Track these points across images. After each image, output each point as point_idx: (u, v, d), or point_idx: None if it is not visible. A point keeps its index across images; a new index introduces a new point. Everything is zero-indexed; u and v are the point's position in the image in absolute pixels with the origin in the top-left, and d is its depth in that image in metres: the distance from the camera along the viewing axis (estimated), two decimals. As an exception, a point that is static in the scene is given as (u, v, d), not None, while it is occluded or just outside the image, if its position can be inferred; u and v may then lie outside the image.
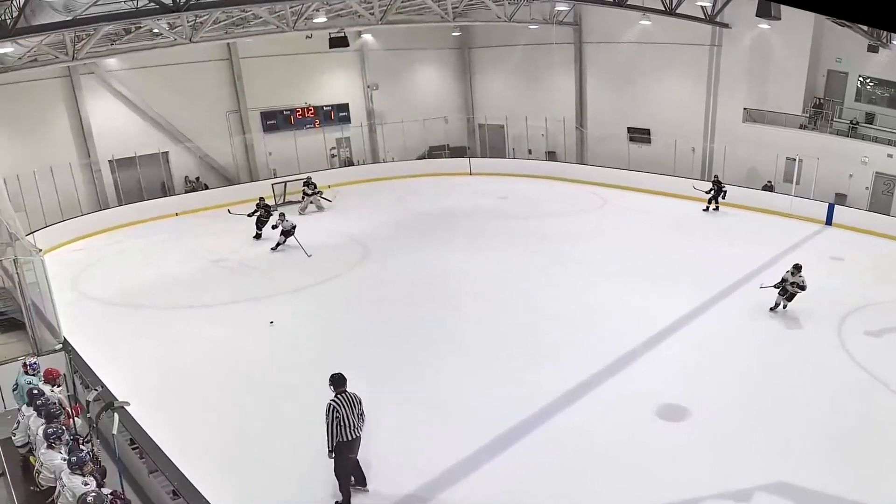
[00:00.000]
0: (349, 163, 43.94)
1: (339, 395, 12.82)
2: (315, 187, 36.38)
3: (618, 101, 42.42)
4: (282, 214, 29.77)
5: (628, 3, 31.29)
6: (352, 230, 32.46)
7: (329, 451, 12.79)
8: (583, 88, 44.02)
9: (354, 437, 12.78)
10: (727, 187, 33.37)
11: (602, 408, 16.59)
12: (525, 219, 33.74)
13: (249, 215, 30.90)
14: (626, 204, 35.55)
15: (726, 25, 36.04)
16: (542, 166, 43.50)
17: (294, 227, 29.29)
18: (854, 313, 21.87)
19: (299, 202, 36.52)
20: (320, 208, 36.45)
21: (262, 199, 31.93)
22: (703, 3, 33.96)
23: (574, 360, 18.70)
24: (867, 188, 33.34)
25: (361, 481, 13.55)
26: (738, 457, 14.42)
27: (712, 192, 33.58)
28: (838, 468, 13.93)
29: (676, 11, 32.78)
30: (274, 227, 29.84)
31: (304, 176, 37.52)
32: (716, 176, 34.41)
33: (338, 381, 13.09)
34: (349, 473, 13.17)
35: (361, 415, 12.95)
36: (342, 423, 12.56)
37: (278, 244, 29.38)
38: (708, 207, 33.77)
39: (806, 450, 14.68)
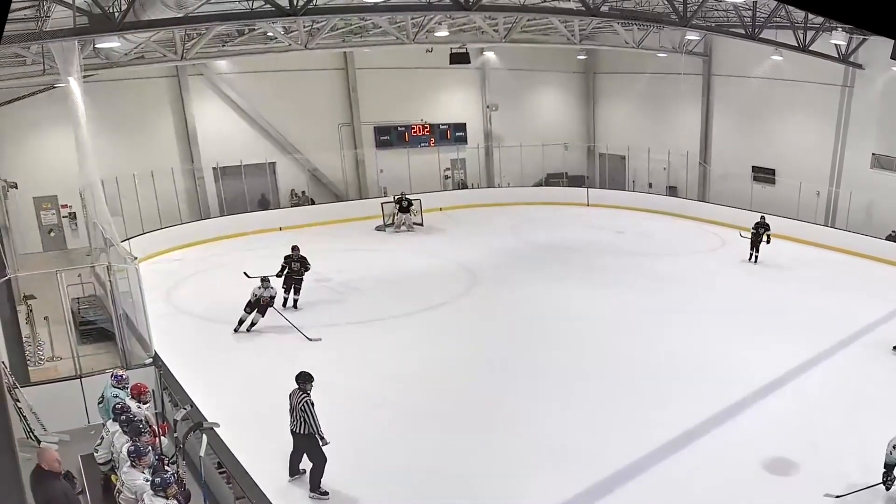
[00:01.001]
0: (463, 185, 43.46)
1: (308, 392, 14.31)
2: (410, 205, 35.93)
3: (744, 137, 41.33)
4: (264, 280, 23.04)
5: (761, 36, 30.21)
6: (462, 257, 32.12)
7: (324, 439, 14.17)
8: (709, 122, 42.81)
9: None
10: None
11: (705, 460, 16.22)
12: (641, 255, 33.31)
13: (278, 275, 24.10)
14: (745, 246, 34.32)
15: (860, 66, 34.56)
16: (661, 201, 42.33)
17: (273, 298, 23.19)
18: None
19: (417, 224, 36.37)
20: (411, 228, 35.94)
21: (295, 248, 25.12)
22: (838, 42, 32.50)
23: (681, 409, 18.22)
24: None
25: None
26: None
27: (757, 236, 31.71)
28: None
29: (810, 48, 31.33)
30: (252, 303, 22.67)
31: (417, 197, 36.84)
32: (762, 217, 32.24)
33: (308, 378, 14.50)
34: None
35: None
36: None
37: (241, 322, 22.89)
38: (751, 256, 31.84)
39: None
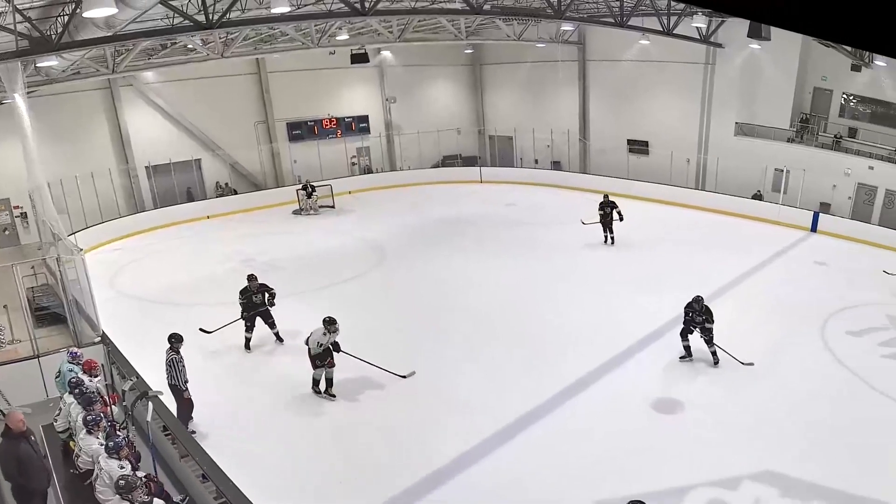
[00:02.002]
0: (368, 170, 44.11)
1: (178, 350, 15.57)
2: (314, 190, 36.85)
3: (618, 115, 42.61)
4: (328, 323, 17.25)
5: (629, 23, 31.34)
6: (370, 234, 32.59)
7: (187, 391, 15.42)
8: (586, 103, 44.13)
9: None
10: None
11: (599, 405, 16.74)
12: (531, 226, 33.59)
13: (243, 316, 19.82)
14: (625, 211, 35.45)
15: (720, 45, 36.18)
16: (547, 175, 43.45)
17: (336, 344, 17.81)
18: (836, 315, 21.99)
19: (328, 207, 37.25)
20: (317, 211, 36.82)
21: (251, 278, 20.14)
22: (699, 25, 34.09)
23: (573, 362, 18.65)
24: (850, 198, 33.55)
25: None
26: (727, 445, 14.59)
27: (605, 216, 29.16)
28: (821, 459, 14.00)
29: (673, 32, 32.69)
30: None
31: (326, 183, 37.90)
32: (605, 196, 29.80)
33: (178, 338, 15.71)
34: None
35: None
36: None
37: (317, 382, 17.61)
38: (606, 238, 29.58)
39: (790, 442, 14.76)
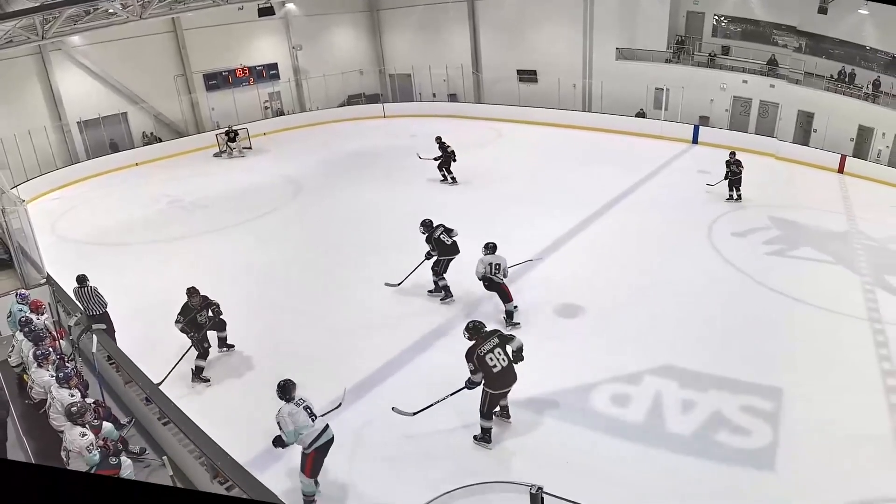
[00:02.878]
0: (280, 113, 44.40)
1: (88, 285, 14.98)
2: (236, 135, 37.23)
3: (507, 47, 43.21)
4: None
5: None
6: (286, 171, 33.00)
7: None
8: (476, 39, 44.79)
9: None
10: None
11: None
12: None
13: (193, 338, 14.67)
14: (518, 135, 36.36)
15: (598, -23, 37.04)
16: (445, 107, 44.21)
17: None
18: (721, 218, 22.96)
19: (247, 148, 37.80)
20: (241, 153, 37.19)
21: (192, 293, 14.83)
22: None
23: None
24: (727, 110, 34.92)
25: None
26: (626, 345, 14.97)
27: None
28: (713, 350, 14.54)
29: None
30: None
31: (243, 126, 38.47)
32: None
33: (84, 278, 15.24)
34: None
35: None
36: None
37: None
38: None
39: (683, 336, 15.29)
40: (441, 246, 17.49)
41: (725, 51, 35.59)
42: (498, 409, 12.24)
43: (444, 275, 17.85)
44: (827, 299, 16.91)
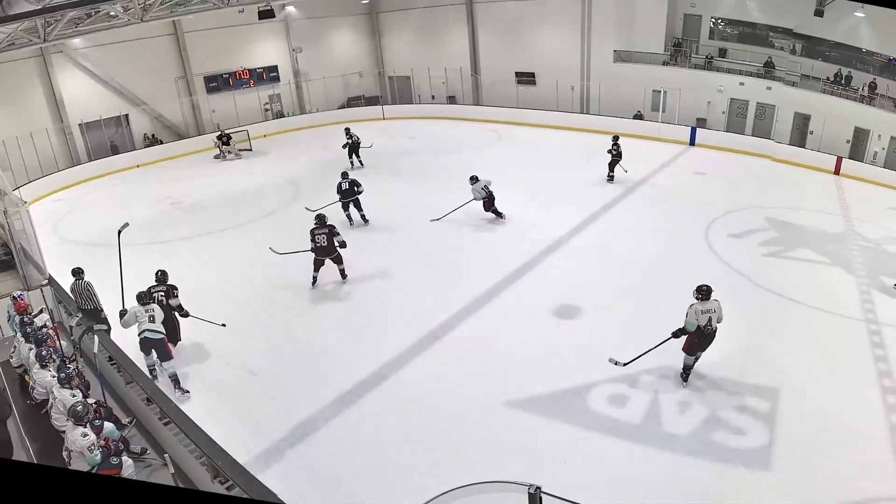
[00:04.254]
0: (280, 115, 44.42)
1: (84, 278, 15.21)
2: (229, 138, 37.08)
3: (506, 50, 43.24)
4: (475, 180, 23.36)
5: None
6: (285, 172, 32.89)
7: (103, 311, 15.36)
8: (475, 41, 44.79)
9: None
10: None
11: (506, 311, 17.12)
12: (433, 154, 34.52)
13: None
14: (517, 137, 36.38)
15: (595, -21, 37.03)
16: (444, 109, 44.52)
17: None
18: (718, 220, 22.93)
19: (247, 150, 37.73)
20: (238, 155, 37.18)
21: (155, 285, 15.59)
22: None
23: (482, 273, 19.17)
24: (723, 112, 35.11)
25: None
26: (623, 345, 14.49)
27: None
28: (710, 351, 13.78)
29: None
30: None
31: (242, 129, 38.53)
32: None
33: (80, 271, 15.52)
34: None
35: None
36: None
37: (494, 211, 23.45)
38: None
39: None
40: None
41: (722, 53, 35.68)
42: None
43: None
44: (823, 300, 16.96)
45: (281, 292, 19.29)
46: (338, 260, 19.03)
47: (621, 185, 26.78)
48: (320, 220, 18.73)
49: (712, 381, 13.61)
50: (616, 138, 27.40)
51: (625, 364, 13.35)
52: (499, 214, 23.37)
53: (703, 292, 12.94)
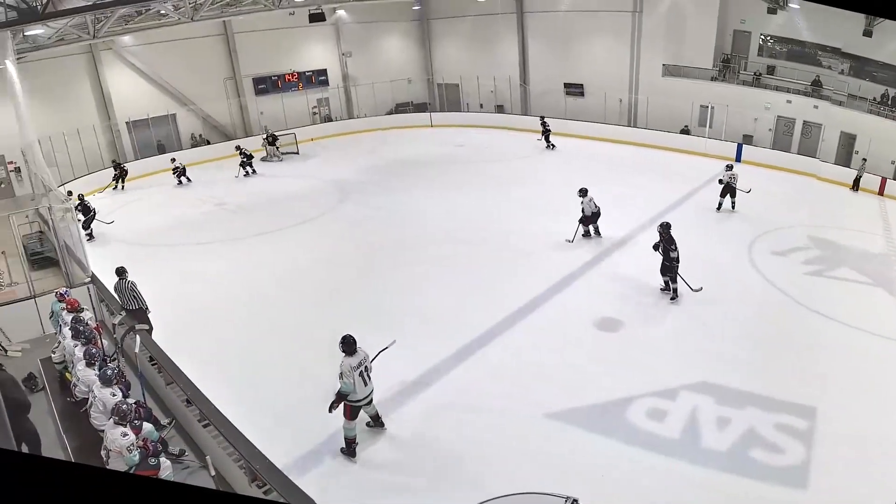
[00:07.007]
0: (328, 119, 44.29)
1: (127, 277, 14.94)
2: (275, 139, 37.02)
3: (555, 61, 42.76)
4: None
5: None
6: (332, 176, 32.74)
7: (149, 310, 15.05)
8: (525, 51, 44.30)
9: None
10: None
11: (548, 322, 16.94)
12: (480, 162, 34.19)
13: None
14: (564, 148, 36.13)
15: (647, -7, 36.45)
16: (491, 118, 43.83)
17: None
18: (762, 237, 22.47)
19: (293, 153, 37.65)
20: (280, 158, 36.98)
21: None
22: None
23: (525, 282, 19.05)
24: (770, 130, 34.21)
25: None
26: (664, 360, 14.82)
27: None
28: (750, 368, 14.30)
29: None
30: None
31: (290, 132, 38.31)
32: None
33: (123, 271, 15.28)
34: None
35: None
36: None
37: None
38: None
39: (720, 353, 15.12)
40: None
41: (771, 70, 34.85)
42: None
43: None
44: (864, 320, 16.62)
45: (323, 295, 19.26)
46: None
47: (666, 200, 26.21)
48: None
49: (751, 398, 13.39)
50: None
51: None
52: (598, 232, 22.48)
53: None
